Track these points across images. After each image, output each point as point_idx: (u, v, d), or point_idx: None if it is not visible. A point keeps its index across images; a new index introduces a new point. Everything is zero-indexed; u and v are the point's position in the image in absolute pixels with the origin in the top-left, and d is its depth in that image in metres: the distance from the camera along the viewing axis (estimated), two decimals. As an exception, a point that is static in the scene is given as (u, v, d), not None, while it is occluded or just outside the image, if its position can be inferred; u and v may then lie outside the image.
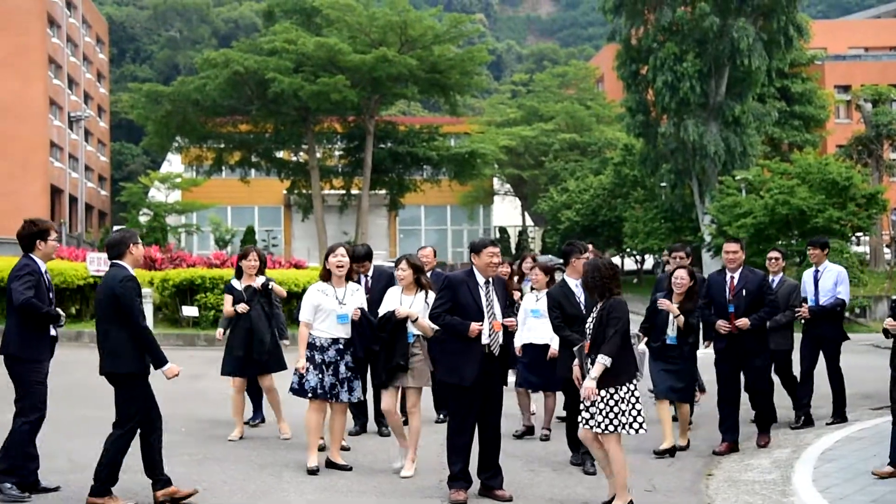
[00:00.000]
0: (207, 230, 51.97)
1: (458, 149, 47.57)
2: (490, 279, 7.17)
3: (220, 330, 9.44)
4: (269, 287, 9.30)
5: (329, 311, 7.81)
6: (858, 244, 34.67)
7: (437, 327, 7.36)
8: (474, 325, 6.93)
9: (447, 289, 7.13)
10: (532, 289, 9.65)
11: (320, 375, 7.75)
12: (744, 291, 8.79)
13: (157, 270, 20.64)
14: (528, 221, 62.09)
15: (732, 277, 8.93)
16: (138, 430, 6.68)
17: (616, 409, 6.61)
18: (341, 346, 7.83)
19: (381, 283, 9.13)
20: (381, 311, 7.80)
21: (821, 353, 10.05)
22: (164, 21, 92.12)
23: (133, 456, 6.79)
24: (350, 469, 7.80)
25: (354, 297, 7.95)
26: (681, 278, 8.66)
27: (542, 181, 55.44)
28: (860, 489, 7.04)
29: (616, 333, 6.59)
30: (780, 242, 27.29)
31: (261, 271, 9.42)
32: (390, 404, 7.79)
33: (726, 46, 32.62)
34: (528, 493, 7.22)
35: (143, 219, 47.13)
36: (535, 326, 9.29)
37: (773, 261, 10.30)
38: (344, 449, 8.29)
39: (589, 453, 7.34)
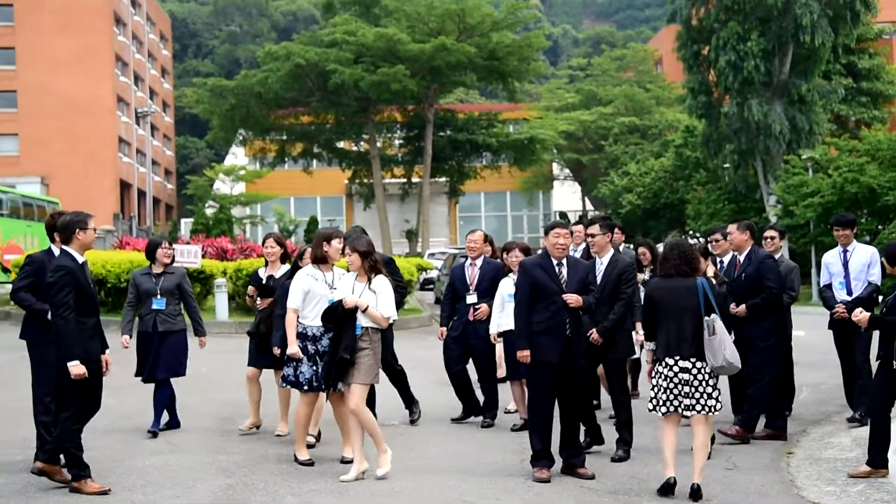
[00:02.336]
0: (272, 221, 52.79)
1: (516, 135, 47.62)
2: (564, 260, 7.25)
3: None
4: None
5: (320, 297, 7.38)
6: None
7: (389, 316, 7.14)
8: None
9: (523, 274, 7.29)
10: (509, 272, 9.09)
11: (315, 367, 7.40)
12: (743, 276, 8.56)
13: (228, 261, 21.19)
14: (588, 206, 61.86)
15: (739, 261, 8.76)
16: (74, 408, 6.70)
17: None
18: (321, 335, 7.43)
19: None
20: (334, 299, 7.28)
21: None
22: (225, 16, 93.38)
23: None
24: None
25: (343, 282, 7.46)
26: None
27: (602, 165, 55.23)
28: (943, 465, 7.04)
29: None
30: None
31: (284, 258, 8.91)
32: (338, 405, 7.32)
33: (790, 24, 32.15)
34: (609, 471, 7.32)
35: (209, 211, 47.99)
36: (511, 312, 8.52)
37: (769, 240, 9.35)
38: (309, 446, 7.83)
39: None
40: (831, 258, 9.27)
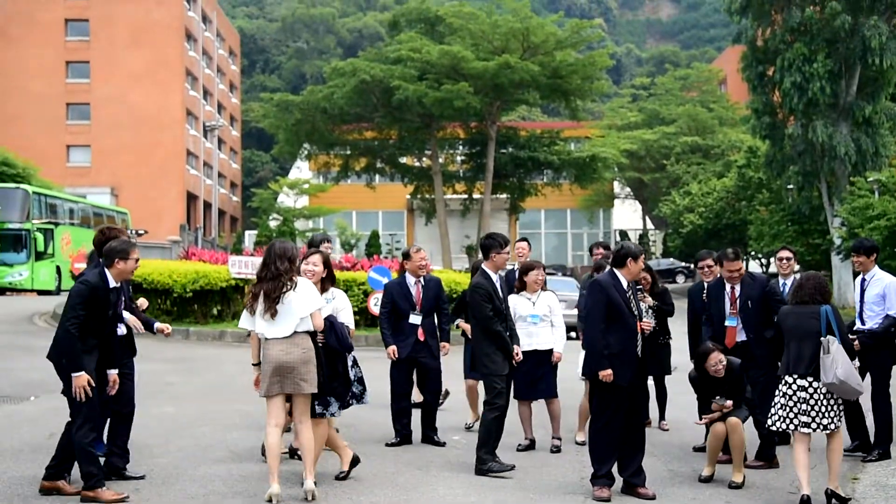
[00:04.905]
0: (334, 234, 53.44)
1: (578, 153, 47.60)
2: (629, 282, 7.39)
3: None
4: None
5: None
6: None
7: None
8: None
9: (599, 293, 7.31)
10: (517, 290, 9.05)
11: None
12: (749, 303, 8.30)
13: (293, 274, 21.61)
14: (649, 225, 61.58)
15: (734, 289, 8.53)
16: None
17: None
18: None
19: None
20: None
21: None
22: (293, 32, 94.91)
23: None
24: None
25: (328, 307, 7.27)
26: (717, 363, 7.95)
27: (664, 184, 55.01)
28: None
29: None
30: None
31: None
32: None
33: (857, 45, 31.75)
34: (670, 492, 7.34)
35: (272, 223, 48.86)
36: (536, 332, 8.85)
37: (784, 262, 9.31)
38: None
39: None
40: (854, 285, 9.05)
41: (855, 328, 8.73)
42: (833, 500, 6.93)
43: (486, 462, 7.85)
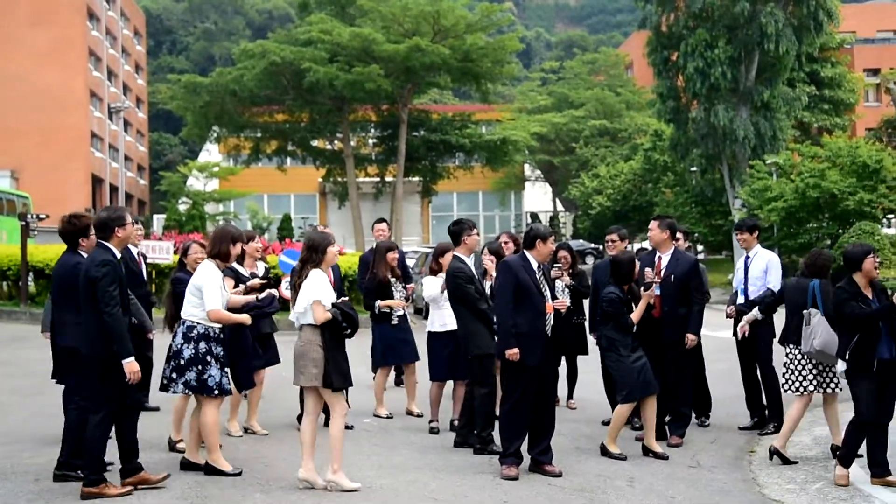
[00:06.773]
0: (245, 218, 52.85)
1: (489, 136, 47.93)
2: (540, 263, 7.45)
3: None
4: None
5: (225, 298, 7.29)
6: (889, 226, 34.82)
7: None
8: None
9: (507, 273, 7.33)
10: (432, 272, 9.14)
11: (223, 370, 7.21)
12: (672, 277, 8.33)
13: (202, 259, 21.35)
14: (559, 207, 62.49)
15: (661, 258, 8.54)
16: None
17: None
18: (222, 337, 7.31)
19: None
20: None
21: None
22: (200, 13, 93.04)
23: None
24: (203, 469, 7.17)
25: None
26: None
27: (573, 167, 55.87)
28: (903, 461, 7.22)
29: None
30: (810, 225, 27.68)
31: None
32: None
33: (755, 32, 32.84)
34: (577, 468, 7.50)
35: (182, 207, 48.05)
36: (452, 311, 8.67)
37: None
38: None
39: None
40: (739, 264, 9.31)
41: (738, 303, 9.15)
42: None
43: (489, 443, 8.00)
